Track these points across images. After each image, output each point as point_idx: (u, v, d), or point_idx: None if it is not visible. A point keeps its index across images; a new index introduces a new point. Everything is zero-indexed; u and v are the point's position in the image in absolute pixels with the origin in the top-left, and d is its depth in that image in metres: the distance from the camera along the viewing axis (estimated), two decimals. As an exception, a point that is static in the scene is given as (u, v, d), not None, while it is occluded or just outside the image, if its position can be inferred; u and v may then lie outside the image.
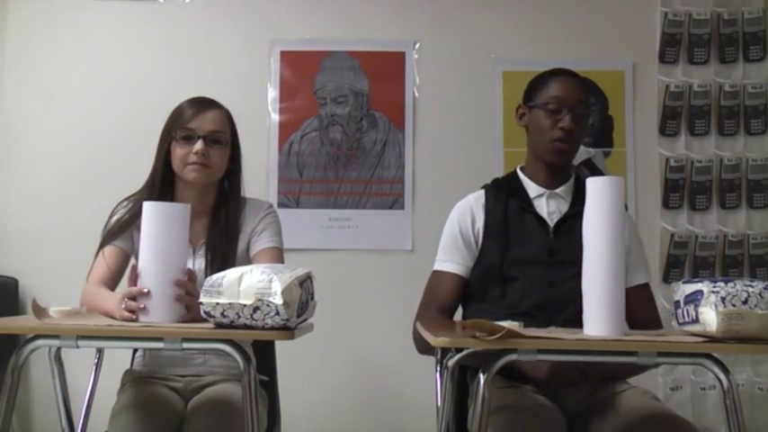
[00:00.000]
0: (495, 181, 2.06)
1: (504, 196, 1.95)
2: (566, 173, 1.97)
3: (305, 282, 1.45)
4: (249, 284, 1.37)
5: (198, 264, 1.89)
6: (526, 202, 1.93)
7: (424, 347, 1.87)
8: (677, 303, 1.44)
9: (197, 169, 1.88)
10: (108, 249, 1.93)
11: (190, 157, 1.87)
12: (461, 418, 1.88)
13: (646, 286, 1.91)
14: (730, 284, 1.35)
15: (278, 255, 1.96)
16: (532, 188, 1.96)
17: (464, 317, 1.99)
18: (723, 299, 1.33)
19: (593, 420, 1.71)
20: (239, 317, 1.38)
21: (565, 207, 1.92)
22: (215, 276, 1.41)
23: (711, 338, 1.35)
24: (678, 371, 3.11)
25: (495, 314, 1.71)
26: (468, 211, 1.97)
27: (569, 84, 1.91)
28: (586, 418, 1.74)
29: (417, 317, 1.94)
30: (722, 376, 1.38)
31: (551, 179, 1.95)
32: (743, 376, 3.11)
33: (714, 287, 1.34)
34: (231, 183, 2.00)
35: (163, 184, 1.92)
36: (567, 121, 1.86)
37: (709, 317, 1.33)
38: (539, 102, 1.92)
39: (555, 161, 1.92)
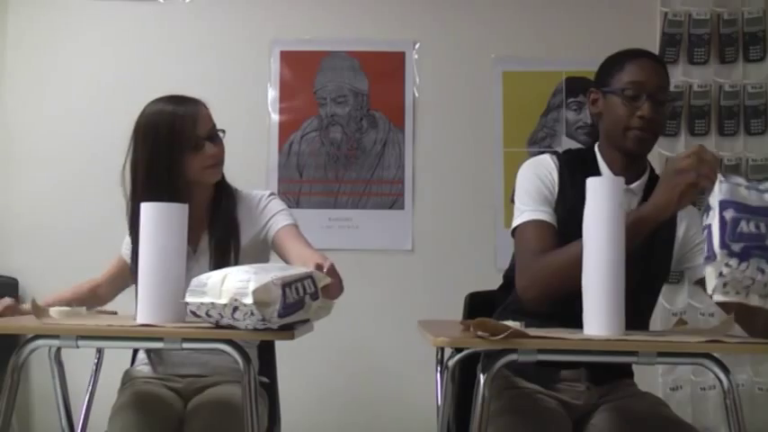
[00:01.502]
0: (570, 153, 1.89)
1: (581, 177, 1.65)
2: (642, 165, 1.83)
3: (298, 282, 1.40)
4: (230, 285, 1.36)
5: (203, 259, 1.88)
6: None
7: (551, 297, 1.66)
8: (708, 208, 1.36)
9: (215, 171, 1.90)
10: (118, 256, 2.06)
11: (206, 162, 1.87)
12: (462, 417, 1.87)
13: None
14: (743, 266, 1.29)
15: (297, 230, 1.91)
16: (607, 174, 1.80)
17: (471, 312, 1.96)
18: (725, 283, 1.30)
19: (597, 423, 1.71)
20: (222, 317, 1.38)
21: (635, 204, 1.76)
22: (202, 276, 1.40)
23: (712, 339, 1.35)
24: (678, 371, 3.11)
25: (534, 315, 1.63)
26: (548, 173, 1.80)
27: (649, 67, 1.75)
28: (591, 421, 1.73)
29: (525, 272, 1.70)
30: (722, 376, 1.37)
31: (627, 171, 1.78)
32: (743, 376, 3.11)
33: (728, 263, 1.29)
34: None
35: (171, 193, 1.88)
36: (647, 108, 1.71)
37: (710, 280, 1.32)
38: (615, 87, 1.76)
39: (634, 149, 1.76)
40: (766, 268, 1.31)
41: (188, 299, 1.39)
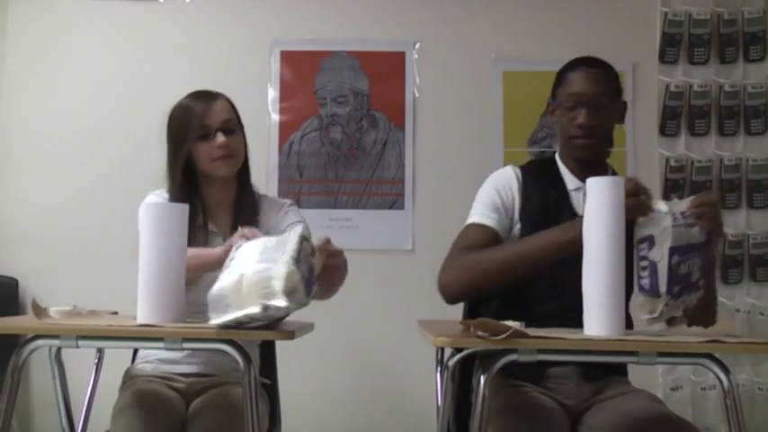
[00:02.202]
0: (533, 164, 1.96)
1: (543, 185, 1.86)
2: (601, 169, 1.88)
3: (300, 254, 1.39)
4: (250, 289, 1.34)
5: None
6: (564, 195, 1.86)
7: (463, 293, 1.76)
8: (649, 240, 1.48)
9: (225, 163, 1.91)
10: None
11: (214, 153, 1.89)
12: (462, 417, 1.87)
13: None
14: (677, 302, 1.49)
15: None
16: (570, 180, 1.88)
17: (471, 311, 1.97)
18: (661, 314, 1.48)
19: (595, 421, 1.71)
20: (252, 320, 1.36)
21: None
22: (215, 290, 1.37)
23: (712, 339, 1.36)
24: (678, 371, 3.11)
25: (512, 313, 1.65)
26: (507, 183, 1.86)
27: (584, 76, 1.83)
28: (589, 419, 1.73)
29: (446, 264, 1.78)
30: (722, 376, 1.37)
31: (586, 174, 1.79)
32: (743, 376, 3.11)
33: (667, 303, 1.47)
34: (246, 169, 2.02)
35: (182, 185, 1.91)
36: (582, 116, 1.79)
37: (643, 307, 1.48)
38: (558, 100, 1.87)
39: (579, 157, 1.84)
40: (688, 299, 1.51)
41: (215, 321, 1.36)
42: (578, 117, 1.80)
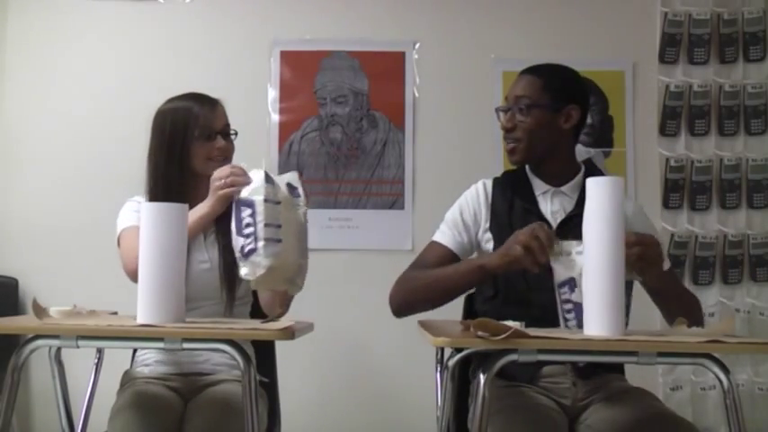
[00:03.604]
0: (505, 174, 2.02)
1: (510, 193, 1.92)
2: (571, 167, 1.92)
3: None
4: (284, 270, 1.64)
5: (210, 252, 1.92)
6: (530, 201, 1.89)
7: (401, 307, 1.87)
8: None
9: (220, 165, 1.91)
10: (134, 228, 1.92)
11: (212, 153, 1.95)
12: (461, 417, 1.87)
13: None
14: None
15: None
16: (538, 185, 1.92)
17: (471, 311, 1.98)
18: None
19: (593, 421, 1.71)
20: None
21: (570, 206, 1.87)
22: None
23: (712, 339, 1.36)
24: (678, 371, 3.11)
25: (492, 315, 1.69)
26: (475, 198, 1.95)
27: (515, 83, 1.91)
28: (587, 419, 1.73)
29: (399, 277, 1.92)
30: (722, 376, 1.38)
31: (553, 177, 1.90)
32: (743, 376, 3.11)
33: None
34: None
35: (178, 185, 1.93)
36: (502, 120, 1.90)
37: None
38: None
39: (510, 160, 1.92)
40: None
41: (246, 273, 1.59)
42: (501, 120, 1.91)
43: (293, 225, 1.67)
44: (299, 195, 1.73)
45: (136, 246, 1.80)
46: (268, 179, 1.66)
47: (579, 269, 1.50)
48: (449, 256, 1.88)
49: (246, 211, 1.61)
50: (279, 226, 1.61)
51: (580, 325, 1.46)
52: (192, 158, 1.95)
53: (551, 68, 1.92)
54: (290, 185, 1.72)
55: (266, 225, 1.59)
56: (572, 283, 1.53)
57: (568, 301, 1.53)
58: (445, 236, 1.92)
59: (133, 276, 1.83)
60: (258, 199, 1.61)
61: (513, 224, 1.84)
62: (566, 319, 1.54)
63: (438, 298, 1.82)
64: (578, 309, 1.49)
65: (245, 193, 1.64)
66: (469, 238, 1.91)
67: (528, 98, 1.86)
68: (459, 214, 1.93)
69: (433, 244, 1.93)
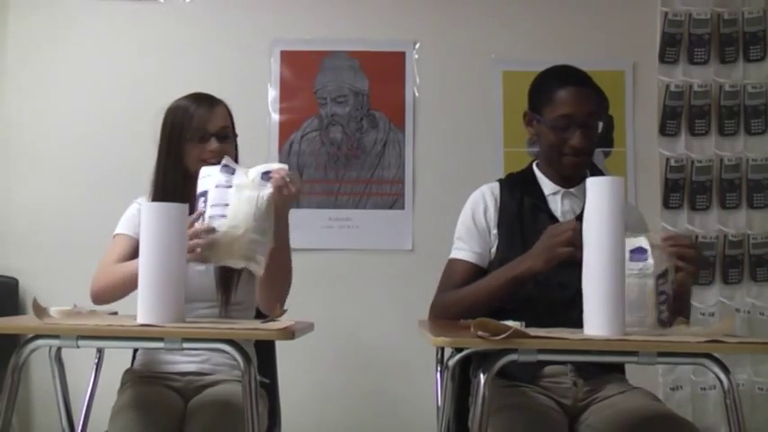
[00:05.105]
0: (511, 175, 2.03)
1: (519, 193, 1.93)
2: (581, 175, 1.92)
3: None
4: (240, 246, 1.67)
5: None
6: (540, 200, 1.91)
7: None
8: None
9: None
10: (122, 237, 1.97)
11: (205, 155, 1.92)
12: (462, 417, 1.87)
13: None
14: None
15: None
16: (547, 185, 1.94)
17: None
18: None
19: (594, 421, 1.71)
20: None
21: (579, 207, 1.88)
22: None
23: (712, 339, 1.36)
24: (678, 371, 3.11)
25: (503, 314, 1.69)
26: (482, 201, 1.95)
27: (575, 96, 1.84)
28: (587, 418, 1.73)
29: (432, 305, 1.94)
30: (722, 376, 1.38)
31: (566, 179, 1.92)
32: (743, 376, 3.11)
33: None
34: None
35: (174, 183, 1.93)
36: (577, 138, 1.83)
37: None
38: (546, 118, 1.87)
39: (569, 174, 1.90)
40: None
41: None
42: (572, 138, 1.84)
43: (246, 204, 1.68)
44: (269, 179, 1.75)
45: (109, 262, 1.86)
46: (224, 168, 1.73)
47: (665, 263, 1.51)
48: (472, 271, 1.90)
49: (201, 200, 1.71)
50: (226, 205, 1.67)
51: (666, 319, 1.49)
52: (185, 159, 1.94)
53: (589, 77, 1.91)
54: (266, 173, 1.74)
55: (213, 205, 1.67)
56: (666, 275, 1.51)
57: (663, 293, 1.51)
58: (463, 251, 1.93)
59: (93, 298, 1.86)
60: (210, 187, 1.71)
61: (522, 222, 1.86)
62: (659, 311, 1.50)
63: (477, 315, 1.81)
64: (669, 300, 1.50)
65: (205, 185, 1.73)
66: (485, 241, 1.92)
67: (597, 115, 1.86)
68: (471, 221, 1.94)
69: (456, 262, 1.94)
